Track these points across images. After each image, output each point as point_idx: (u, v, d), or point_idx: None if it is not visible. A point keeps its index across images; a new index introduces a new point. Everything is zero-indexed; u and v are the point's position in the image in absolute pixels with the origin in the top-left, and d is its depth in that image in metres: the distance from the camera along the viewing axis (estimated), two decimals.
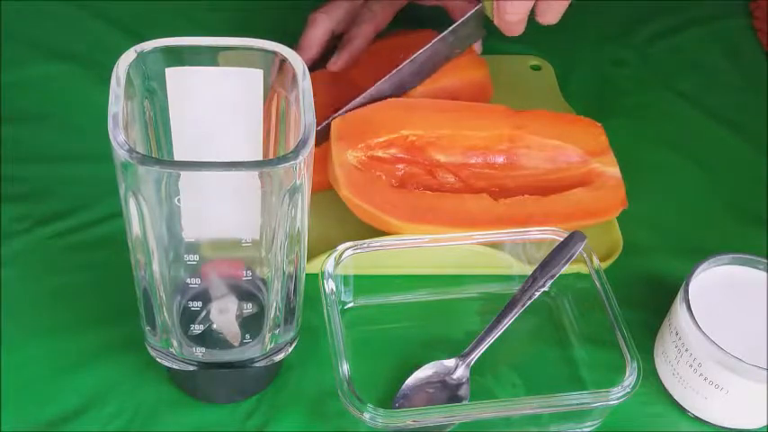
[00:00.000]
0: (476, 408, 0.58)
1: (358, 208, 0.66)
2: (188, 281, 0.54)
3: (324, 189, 0.71)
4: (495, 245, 0.66)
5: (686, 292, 0.61)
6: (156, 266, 0.52)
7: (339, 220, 0.69)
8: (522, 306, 0.63)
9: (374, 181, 0.67)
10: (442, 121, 0.70)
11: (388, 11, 0.78)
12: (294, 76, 0.51)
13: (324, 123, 0.69)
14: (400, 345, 0.65)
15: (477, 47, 0.79)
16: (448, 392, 0.61)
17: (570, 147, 0.71)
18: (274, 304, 0.55)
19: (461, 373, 0.62)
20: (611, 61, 0.88)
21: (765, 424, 0.62)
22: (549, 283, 0.63)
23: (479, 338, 0.63)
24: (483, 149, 0.71)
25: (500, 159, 0.71)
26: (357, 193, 0.66)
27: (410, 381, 0.61)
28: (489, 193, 0.68)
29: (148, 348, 0.58)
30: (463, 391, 0.61)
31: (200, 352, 0.56)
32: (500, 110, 0.72)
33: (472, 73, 0.76)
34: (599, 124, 0.72)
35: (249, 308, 0.56)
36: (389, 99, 0.71)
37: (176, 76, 0.52)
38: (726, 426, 0.62)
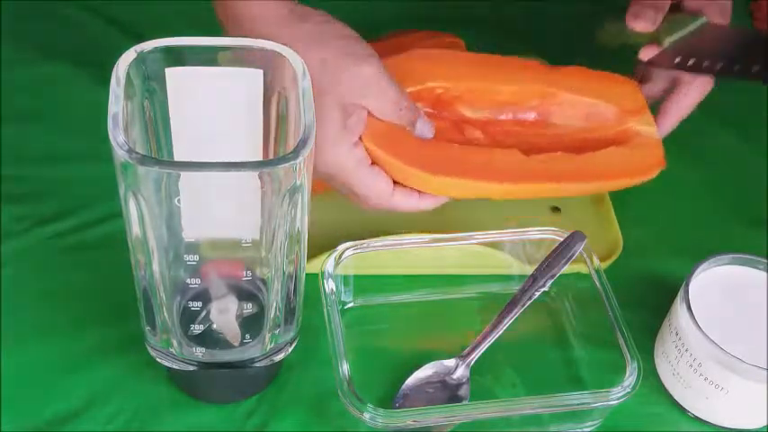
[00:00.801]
0: (476, 408, 0.58)
1: (381, 159, 0.62)
2: (188, 281, 0.54)
3: (324, 189, 0.71)
4: (495, 245, 0.66)
5: (686, 292, 0.61)
6: (156, 266, 0.52)
7: (339, 220, 0.69)
8: (522, 306, 0.63)
9: (398, 131, 0.62)
10: (470, 74, 0.67)
11: None
12: (294, 76, 0.51)
13: None
14: (400, 345, 0.65)
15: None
16: (448, 392, 0.61)
17: (605, 105, 0.68)
18: (274, 304, 0.55)
19: (461, 372, 0.62)
20: (612, 61, 0.88)
21: (765, 424, 0.62)
22: (549, 283, 0.63)
23: (479, 338, 0.63)
24: (513, 105, 0.68)
25: (531, 116, 0.68)
26: (379, 144, 0.61)
27: (410, 381, 0.61)
28: (520, 150, 0.65)
29: (148, 348, 0.58)
30: (463, 391, 0.61)
31: (200, 352, 0.56)
32: (532, 65, 0.69)
33: None
34: (635, 82, 0.70)
35: (249, 308, 0.56)
36: (415, 50, 0.67)
37: (176, 76, 0.52)
38: (726, 426, 0.62)
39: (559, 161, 0.65)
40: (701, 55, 0.67)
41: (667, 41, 0.68)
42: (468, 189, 0.63)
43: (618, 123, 0.68)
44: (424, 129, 0.64)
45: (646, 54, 0.69)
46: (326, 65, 0.59)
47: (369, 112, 0.61)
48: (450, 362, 0.62)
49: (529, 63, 0.69)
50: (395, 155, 0.61)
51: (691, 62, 0.67)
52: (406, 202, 0.63)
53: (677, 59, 0.68)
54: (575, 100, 0.68)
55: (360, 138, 0.61)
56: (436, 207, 0.64)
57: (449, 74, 0.66)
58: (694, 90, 0.69)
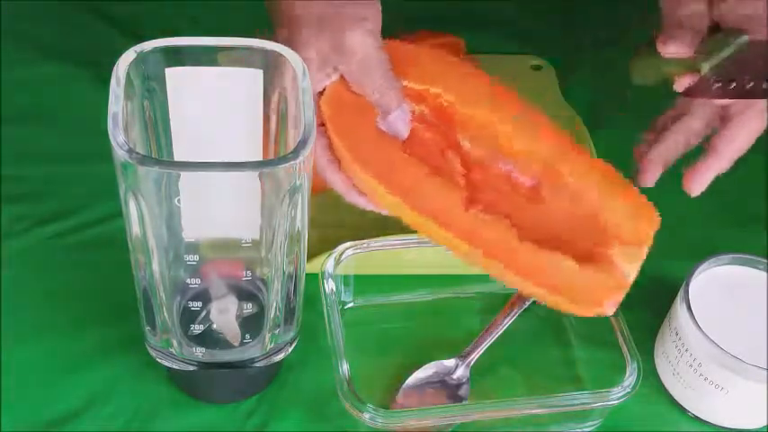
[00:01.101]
0: (476, 408, 0.58)
1: (336, 149, 0.56)
2: (188, 281, 0.54)
3: (324, 189, 0.71)
4: None
5: (686, 292, 0.61)
6: (155, 266, 0.52)
7: (339, 220, 0.69)
8: (522, 306, 0.63)
9: (363, 112, 0.56)
10: (482, 99, 0.59)
11: None
12: (294, 76, 0.51)
13: None
14: (400, 345, 0.65)
15: None
16: (448, 392, 0.61)
17: (606, 218, 0.57)
18: (274, 304, 0.55)
19: (461, 372, 0.62)
20: (612, 61, 0.88)
21: (765, 424, 0.62)
22: None
23: (479, 338, 0.63)
24: (513, 158, 0.59)
25: (524, 180, 0.59)
26: (339, 131, 0.56)
27: (410, 381, 0.61)
28: (486, 210, 0.57)
29: (148, 348, 0.58)
30: (463, 391, 0.61)
31: (200, 352, 0.56)
32: (553, 129, 0.59)
33: None
34: (656, 214, 0.58)
35: (249, 308, 0.56)
36: (440, 50, 0.61)
37: (176, 77, 0.52)
38: (726, 426, 0.62)
39: (520, 248, 0.55)
40: (744, 76, 0.60)
41: (706, 67, 0.60)
42: (422, 226, 0.56)
43: (604, 244, 0.57)
44: (397, 124, 0.57)
45: (681, 84, 0.61)
46: (322, 22, 0.56)
47: (342, 79, 0.57)
48: (450, 362, 0.62)
49: (549, 123, 0.59)
50: (343, 137, 0.56)
51: (732, 86, 0.60)
52: (346, 191, 0.58)
53: (716, 85, 0.60)
54: (579, 193, 0.58)
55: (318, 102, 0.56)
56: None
57: (464, 90, 0.59)
58: (747, 121, 0.62)
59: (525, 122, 0.59)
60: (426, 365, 0.62)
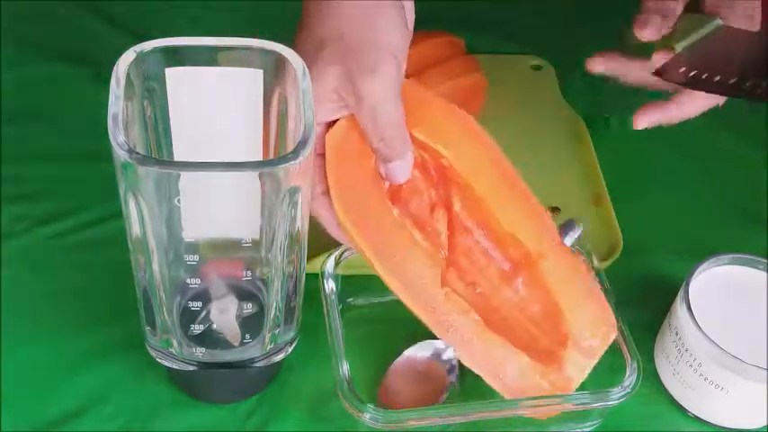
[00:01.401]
0: (476, 408, 0.58)
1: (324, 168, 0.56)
2: (188, 281, 0.54)
3: None
4: None
5: (686, 292, 0.61)
6: (155, 267, 0.52)
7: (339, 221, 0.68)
8: None
9: (365, 155, 0.56)
10: (483, 173, 0.58)
11: None
12: (294, 76, 0.51)
13: None
14: (400, 344, 0.64)
15: None
16: (437, 374, 0.61)
17: (567, 322, 0.58)
18: (274, 304, 0.55)
19: (452, 353, 0.62)
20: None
21: (765, 424, 0.62)
22: None
23: None
24: (497, 240, 0.60)
25: (502, 264, 0.60)
26: (332, 160, 0.55)
27: (400, 359, 0.61)
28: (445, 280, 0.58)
29: (148, 348, 0.58)
30: (453, 375, 0.61)
31: (200, 352, 0.56)
32: (542, 220, 0.59)
33: (468, 76, 0.76)
34: (614, 330, 0.59)
35: (249, 308, 0.56)
36: (453, 106, 0.59)
37: (176, 77, 0.52)
38: (726, 426, 0.62)
39: (480, 339, 0.57)
40: (713, 68, 0.61)
41: (679, 46, 0.63)
42: (391, 286, 0.57)
43: (562, 344, 0.58)
44: (396, 172, 0.57)
45: (656, 60, 0.64)
46: (347, 52, 0.54)
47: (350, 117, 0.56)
48: (440, 342, 0.62)
49: (548, 224, 0.59)
50: (342, 200, 0.56)
51: (701, 77, 0.62)
52: (330, 225, 0.58)
53: (683, 69, 0.62)
54: (552, 290, 0.58)
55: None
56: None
57: (469, 158, 0.58)
58: (698, 100, 0.64)
59: (518, 209, 0.59)
60: (418, 344, 0.62)
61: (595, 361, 0.58)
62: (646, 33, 0.63)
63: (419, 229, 0.60)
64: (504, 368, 0.57)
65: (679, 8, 0.64)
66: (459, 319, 0.57)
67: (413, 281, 0.57)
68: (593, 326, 0.58)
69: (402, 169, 0.57)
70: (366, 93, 0.54)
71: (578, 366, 0.58)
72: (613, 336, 0.58)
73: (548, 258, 0.58)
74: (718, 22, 0.63)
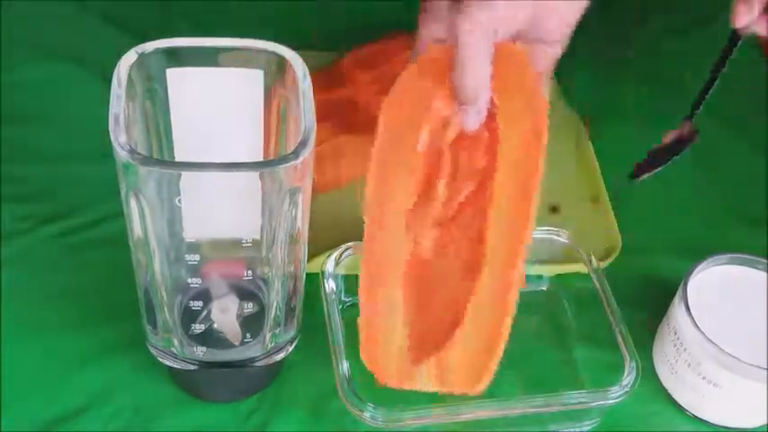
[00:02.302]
0: (476, 407, 0.58)
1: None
2: (189, 280, 0.54)
3: (325, 190, 0.71)
4: None
5: (685, 291, 0.61)
6: (157, 266, 0.52)
7: (339, 220, 0.69)
8: None
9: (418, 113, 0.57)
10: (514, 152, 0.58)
11: None
12: (294, 77, 0.52)
13: None
14: None
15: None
16: None
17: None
18: (275, 304, 0.55)
19: None
20: (612, 61, 0.88)
21: (764, 423, 0.62)
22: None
23: None
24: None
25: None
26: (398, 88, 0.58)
27: None
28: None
29: (149, 348, 0.58)
30: None
31: (200, 351, 0.57)
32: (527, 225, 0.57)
33: None
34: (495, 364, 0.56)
35: (250, 307, 0.56)
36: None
37: (177, 77, 0.52)
38: (724, 425, 0.62)
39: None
40: None
41: None
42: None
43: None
44: (470, 118, 0.58)
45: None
46: None
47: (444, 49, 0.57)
48: None
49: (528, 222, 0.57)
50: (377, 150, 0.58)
51: None
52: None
53: None
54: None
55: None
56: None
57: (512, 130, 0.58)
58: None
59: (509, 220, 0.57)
60: None
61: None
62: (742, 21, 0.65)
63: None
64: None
65: None
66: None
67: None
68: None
69: (474, 119, 0.58)
70: (470, 21, 0.54)
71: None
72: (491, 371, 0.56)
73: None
74: None
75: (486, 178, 0.59)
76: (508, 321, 0.56)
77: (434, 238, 0.59)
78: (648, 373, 0.64)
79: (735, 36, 0.68)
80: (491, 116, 0.58)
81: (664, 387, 0.64)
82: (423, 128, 0.58)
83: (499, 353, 0.55)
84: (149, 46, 0.51)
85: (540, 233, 0.65)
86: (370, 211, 0.58)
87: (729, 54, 0.69)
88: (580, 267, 0.64)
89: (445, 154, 0.59)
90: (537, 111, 0.58)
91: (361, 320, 0.57)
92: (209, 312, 0.56)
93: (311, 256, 0.62)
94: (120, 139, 0.47)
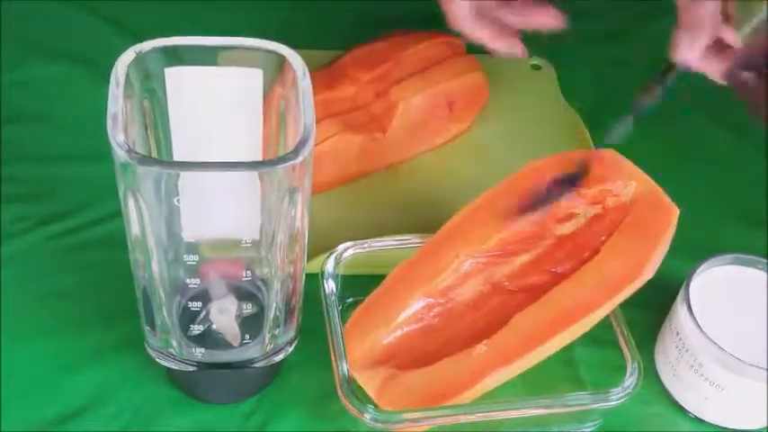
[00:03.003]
0: (476, 408, 0.58)
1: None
2: (187, 281, 0.54)
3: (325, 189, 0.71)
4: None
5: (687, 292, 0.61)
6: (155, 267, 0.52)
7: (339, 220, 0.69)
8: None
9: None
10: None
11: None
12: (294, 76, 0.51)
13: None
14: None
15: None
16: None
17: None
18: (274, 304, 0.55)
19: None
20: (612, 61, 0.88)
21: (766, 424, 0.62)
22: None
23: None
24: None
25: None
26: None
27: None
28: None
29: (148, 349, 0.58)
30: None
31: (199, 352, 0.56)
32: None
33: (468, 75, 0.76)
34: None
35: (249, 308, 0.56)
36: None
37: (176, 76, 0.52)
38: (726, 426, 0.62)
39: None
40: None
41: (738, 37, 0.59)
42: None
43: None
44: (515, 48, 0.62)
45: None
46: None
47: None
48: None
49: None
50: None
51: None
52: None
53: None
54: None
55: None
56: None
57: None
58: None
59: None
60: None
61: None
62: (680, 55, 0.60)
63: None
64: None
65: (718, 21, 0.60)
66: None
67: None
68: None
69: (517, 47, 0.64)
70: None
71: None
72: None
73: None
74: None
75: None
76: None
77: (478, 291, 0.62)
78: (650, 375, 0.63)
79: (668, 68, 0.62)
80: (600, 221, 0.62)
81: (665, 388, 0.64)
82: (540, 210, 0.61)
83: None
84: (147, 45, 0.51)
85: None
86: (449, 232, 0.61)
87: (662, 84, 0.63)
88: None
89: (546, 239, 0.62)
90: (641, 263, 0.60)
91: (363, 305, 0.60)
92: (207, 313, 0.56)
93: (311, 256, 0.62)
94: (117, 138, 0.47)
